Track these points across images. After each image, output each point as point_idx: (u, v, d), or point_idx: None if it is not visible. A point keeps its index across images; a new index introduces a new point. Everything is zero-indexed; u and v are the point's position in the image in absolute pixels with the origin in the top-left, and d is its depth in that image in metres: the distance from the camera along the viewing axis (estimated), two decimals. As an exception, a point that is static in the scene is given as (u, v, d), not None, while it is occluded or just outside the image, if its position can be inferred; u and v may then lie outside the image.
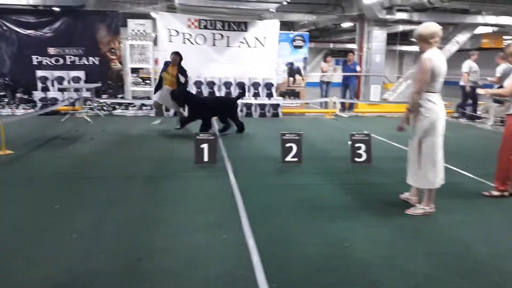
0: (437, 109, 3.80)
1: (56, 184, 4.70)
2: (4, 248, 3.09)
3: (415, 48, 24.97)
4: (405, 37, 21.75)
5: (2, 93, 10.58)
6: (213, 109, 8.00)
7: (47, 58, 10.69)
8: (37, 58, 10.66)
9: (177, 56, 7.97)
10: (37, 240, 3.23)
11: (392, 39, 17.06)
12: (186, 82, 8.20)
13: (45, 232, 3.39)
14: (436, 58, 3.75)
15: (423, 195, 4.00)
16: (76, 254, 3.01)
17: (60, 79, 10.53)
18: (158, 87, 8.23)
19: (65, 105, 9.81)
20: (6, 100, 10.45)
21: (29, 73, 10.41)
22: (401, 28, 16.74)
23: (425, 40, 3.78)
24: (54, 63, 10.76)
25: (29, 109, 10.21)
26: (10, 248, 3.10)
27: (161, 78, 8.12)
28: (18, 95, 10.53)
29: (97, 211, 3.87)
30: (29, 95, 10.52)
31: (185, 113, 8.33)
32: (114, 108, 10.81)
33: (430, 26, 3.79)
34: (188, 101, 7.90)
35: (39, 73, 10.43)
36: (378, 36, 13.12)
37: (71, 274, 2.72)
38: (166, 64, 8.36)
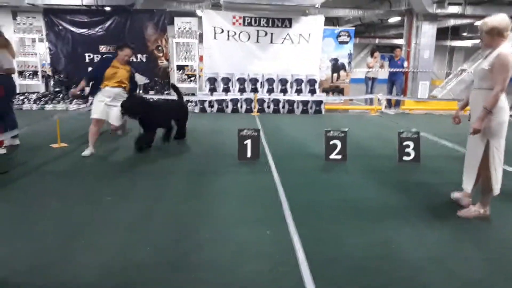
0: (506, 109, 3.55)
1: (106, 177, 4.90)
2: (57, 237, 3.25)
3: (465, 43, 23.85)
4: (455, 32, 20.82)
5: (57, 89, 11.19)
6: (172, 115, 6.68)
7: (98, 55, 11.16)
8: (89, 55, 11.16)
9: (131, 50, 5.92)
10: (89, 230, 3.38)
11: (442, 34, 16.37)
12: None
13: (95, 222, 3.54)
14: None
15: (477, 197, 3.81)
16: (125, 245, 3.12)
17: (110, 76, 10.95)
18: (93, 91, 6.06)
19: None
20: (61, 96, 11.01)
21: (82, 70, 10.88)
22: (452, 22, 16.01)
23: (499, 34, 3.47)
24: (105, 60, 11.20)
25: (81, 104, 10.72)
26: (64, 237, 3.26)
27: (96, 79, 5.95)
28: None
29: (144, 204, 3.99)
30: (81, 91, 11.02)
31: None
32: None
33: (505, 18, 3.48)
34: (146, 112, 5.88)
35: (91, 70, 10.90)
36: (427, 31, 12.61)
37: (120, 264, 2.82)
38: (108, 60, 5.96)
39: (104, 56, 6.29)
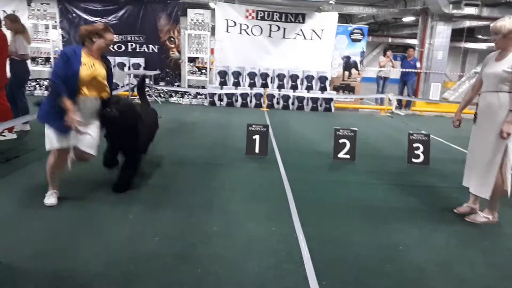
0: None
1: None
2: (66, 225, 3.28)
3: (480, 46, 23.54)
4: (470, 33, 20.55)
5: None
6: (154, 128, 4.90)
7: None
8: (101, 44, 11.17)
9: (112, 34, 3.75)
10: (97, 219, 3.40)
11: (457, 35, 16.17)
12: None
13: (104, 211, 3.56)
14: None
15: (485, 202, 3.76)
16: (133, 235, 3.14)
17: (121, 65, 11.01)
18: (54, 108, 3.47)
19: (125, 91, 10.24)
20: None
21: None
22: (467, 23, 15.81)
23: None
24: (117, 49, 11.24)
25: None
26: (72, 224, 3.29)
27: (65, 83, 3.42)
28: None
29: (152, 194, 4.01)
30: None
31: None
32: (171, 96, 11.13)
33: None
34: (139, 123, 3.94)
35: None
36: (442, 32, 12.47)
37: (127, 254, 2.85)
38: (73, 54, 3.51)
39: (64, 48, 3.49)
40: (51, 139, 3.52)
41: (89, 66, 3.55)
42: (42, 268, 2.62)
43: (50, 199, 3.67)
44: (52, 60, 11.25)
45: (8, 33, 6.07)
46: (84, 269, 2.64)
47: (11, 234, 3.05)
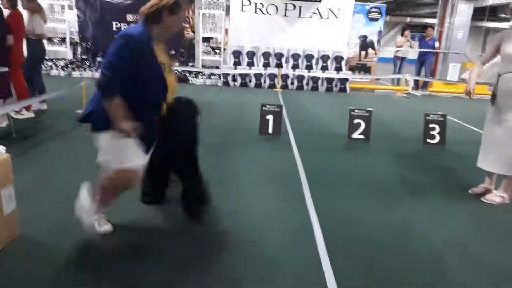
0: None
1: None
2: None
3: (502, 25, 22.80)
4: (492, 12, 19.88)
5: (84, 57, 11.33)
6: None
7: (126, 24, 11.17)
8: (116, 24, 11.18)
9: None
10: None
11: (478, 14, 15.66)
12: None
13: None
14: None
15: (500, 181, 3.71)
16: (147, 211, 3.19)
17: (136, 45, 11.01)
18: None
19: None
20: (88, 64, 11.15)
21: (108, 38, 10.95)
22: (490, 2, 15.28)
23: None
24: (131, 29, 11.20)
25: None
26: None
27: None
28: (98, 59, 11.20)
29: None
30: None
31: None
32: (185, 76, 11.13)
33: None
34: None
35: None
36: (463, 11, 12.10)
37: (141, 230, 2.91)
38: (143, 41, 2.50)
39: (127, 33, 2.44)
40: (125, 155, 2.51)
41: (164, 65, 2.68)
42: (59, 242, 2.69)
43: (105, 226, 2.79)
44: (68, 40, 11.31)
45: (24, 13, 6.12)
46: (98, 243, 2.70)
47: (30, 208, 3.11)
